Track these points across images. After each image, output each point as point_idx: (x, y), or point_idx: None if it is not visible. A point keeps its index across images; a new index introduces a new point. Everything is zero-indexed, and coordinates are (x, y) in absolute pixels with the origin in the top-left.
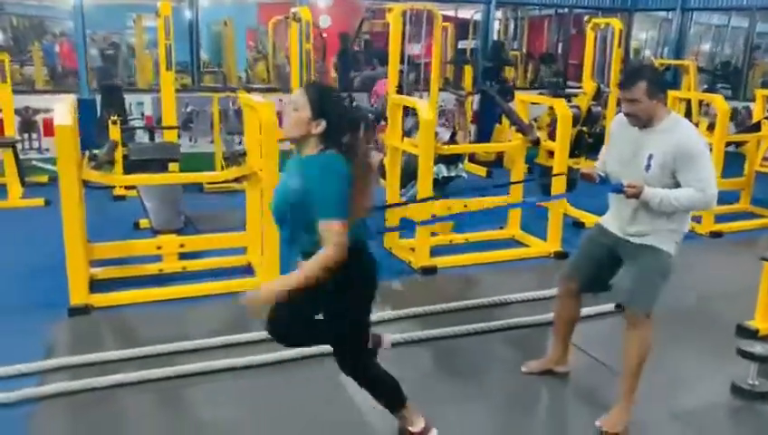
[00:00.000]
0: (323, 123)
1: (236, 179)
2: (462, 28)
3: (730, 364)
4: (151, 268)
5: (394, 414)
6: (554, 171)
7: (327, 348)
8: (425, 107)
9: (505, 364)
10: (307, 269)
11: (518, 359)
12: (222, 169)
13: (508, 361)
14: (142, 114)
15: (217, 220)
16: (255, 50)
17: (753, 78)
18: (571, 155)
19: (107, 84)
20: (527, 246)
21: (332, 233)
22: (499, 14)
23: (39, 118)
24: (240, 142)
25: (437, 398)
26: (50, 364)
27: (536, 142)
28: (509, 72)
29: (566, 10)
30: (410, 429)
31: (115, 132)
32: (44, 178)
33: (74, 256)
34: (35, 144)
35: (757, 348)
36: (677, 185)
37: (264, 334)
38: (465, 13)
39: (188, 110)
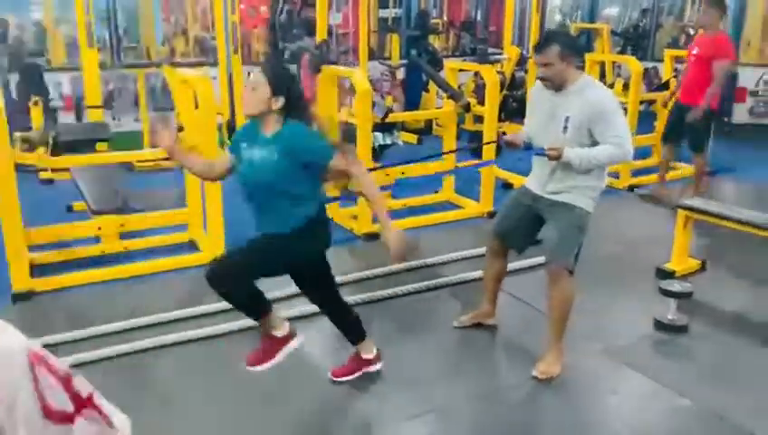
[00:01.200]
0: (282, 99)
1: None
2: None
3: (651, 304)
4: (93, 250)
5: (354, 345)
6: (485, 135)
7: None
8: (360, 77)
9: (446, 320)
10: (377, 195)
11: (457, 313)
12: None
13: (449, 315)
14: (60, 94)
15: (152, 198)
16: (173, 24)
17: (661, 39)
18: (498, 119)
19: (26, 64)
20: (462, 207)
21: (358, 163)
22: None
23: None
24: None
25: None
26: None
27: (467, 108)
28: (434, 41)
29: None
30: (363, 355)
31: (37, 114)
32: None
33: (13, 241)
34: None
35: (676, 286)
36: (594, 143)
37: (217, 307)
38: None
39: (110, 88)
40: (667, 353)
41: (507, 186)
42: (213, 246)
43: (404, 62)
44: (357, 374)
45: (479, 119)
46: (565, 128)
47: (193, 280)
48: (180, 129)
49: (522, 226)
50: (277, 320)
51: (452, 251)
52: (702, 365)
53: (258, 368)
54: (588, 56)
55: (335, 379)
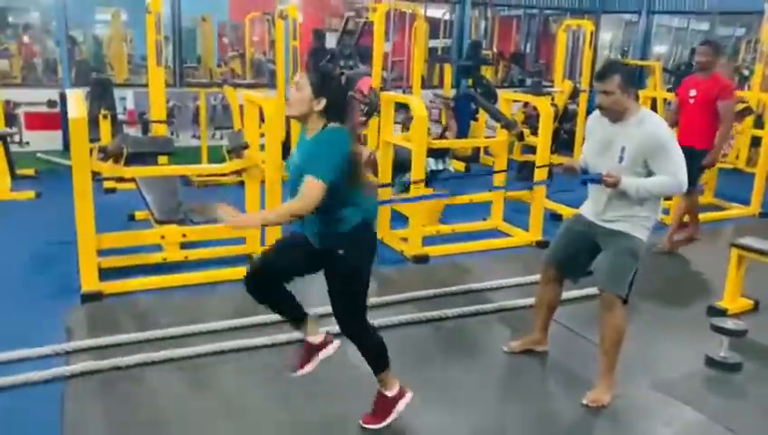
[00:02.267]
0: (323, 101)
1: (238, 171)
2: (432, 27)
3: (702, 341)
4: (155, 257)
5: (376, 376)
6: (537, 164)
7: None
8: (418, 104)
9: (494, 344)
10: (279, 211)
11: (506, 338)
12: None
13: (496, 341)
14: (124, 109)
15: (208, 212)
16: (230, 46)
17: None
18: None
19: (97, 78)
20: (510, 236)
21: (310, 188)
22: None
23: (20, 112)
24: (222, 137)
25: (426, 371)
26: (74, 346)
27: (520, 137)
28: (486, 71)
29: (535, 11)
30: (386, 392)
31: (105, 127)
32: (31, 171)
33: (86, 244)
34: (16, 138)
35: (728, 323)
36: (648, 174)
37: (271, 317)
38: (434, 11)
39: (170, 105)
40: (719, 391)
41: (556, 217)
42: None
43: (457, 92)
44: (389, 419)
45: (528, 149)
46: (621, 158)
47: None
48: (246, 146)
49: (576, 253)
50: (312, 327)
51: (500, 278)
52: (752, 403)
53: (297, 373)
54: (641, 92)
55: (366, 426)
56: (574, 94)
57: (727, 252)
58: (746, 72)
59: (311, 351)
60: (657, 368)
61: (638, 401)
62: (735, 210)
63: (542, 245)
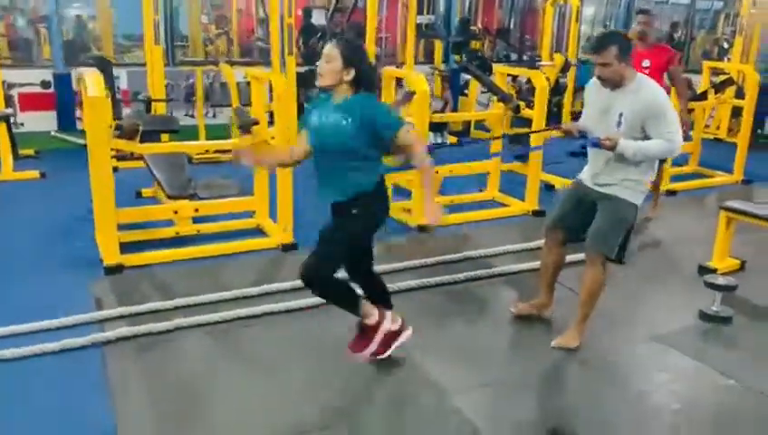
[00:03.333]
0: (353, 71)
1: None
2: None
3: (694, 298)
4: (169, 232)
5: (356, 314)
6: (532, 138)
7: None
8: (420, 78)
9: (502, 306)
10: (427, 166)
11: (513, 300)
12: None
13: (503, 302)
14: (118, 88)
15: (216, 188)
16: (215, 24)
17: (695, 50)
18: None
19: (96, 58)
20: (507, 205)
21: (412, 134)
22: None
23: (14, 92)
24: (214, 115)
25: (441, 331)
26: (106, 314)
27: (516, 110)
28: (476, 46)
29: None
30: (366, 321)
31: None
32: (31, 151)
33: (107, 219)
34: (11, 119)
35: (720, 280)
36: (645, 138)
37: (291, 284)
38: None
39: (190, 81)
40: (712, 341)
41: (549, 187)
42: (282, 231)
43: (447, 67)
44: (377, 342)
45: (520, 122)
46: (619, 123)
47: (266, 261)
48: (255, 123)
49: (577, 216)
50: (367, 308)
51: (501, 245)
52: (745, 351)
53: (359, 355)
54: None
55: (355, 354)
56: (565, 68)
57: (713, 217)
58: (726, 45)
59: (367, 332)
60: (653, 322)
61: (636, 351)
62: (719, 178)
63: (537, 213)
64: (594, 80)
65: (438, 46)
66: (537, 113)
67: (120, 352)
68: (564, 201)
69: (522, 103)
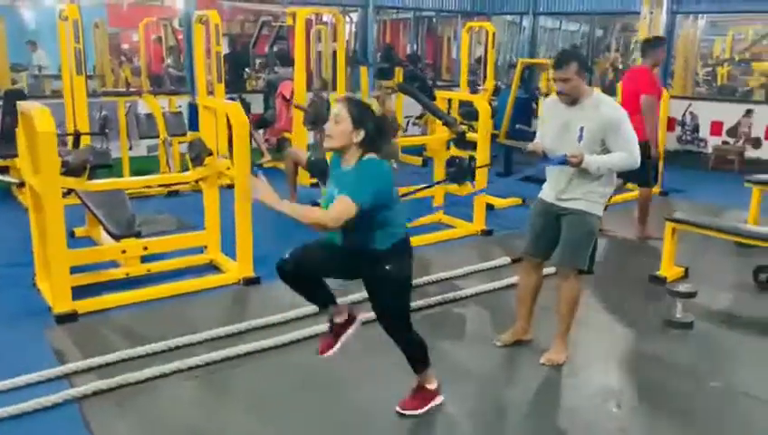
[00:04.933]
0: (363, 133)
1: (200, 180)
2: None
3: (653, 306)
4: (118, 273)
5: (418, 374)
6: (479, 160)
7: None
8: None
9: (480, 327)
10: (308, 212)
11: (489, 321)
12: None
13: (482, 323)
14: None
15: (154, 224)
16: (121, 53)
17: (595, 74)
18: (467, 147)
19: (10, 91)
20: (454, 227)
21: (344, 205)
22: (355, 16)
23: None
24: (131, 148)
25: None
26: (74, 367)
27: (461, 135)
28: (398, 73)
29: (428, 13)
30: (427, 386)
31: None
32: None
33: (58, 262)
34: None
35: (681, 287)
36: (604, 152)
37: (265, 320)
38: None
39: (103, 114)
40: (683, 345)
41: (489, 206)
42: (242, 265)
43: (394, 88)
44: (426, 408)
45: (451, 145)
46: (580, 137)
47: (229, 298)
48: (210, 153)
49: (547, 236)
50: (340, 309)
51: (463, 266)
52: (717, 354)
53: (325, 355)
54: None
55: (403, 412)
56: (496, 92)
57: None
58: (621, 66)
59: (338, 333)
60: (622, 331)
61: (599, 351)
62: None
63: (486, 233)
64: (551, 97)
65: (364, 72)
66: (481, 139)
67: (99, 406)
68: (533, 225)
69: (465, 127)
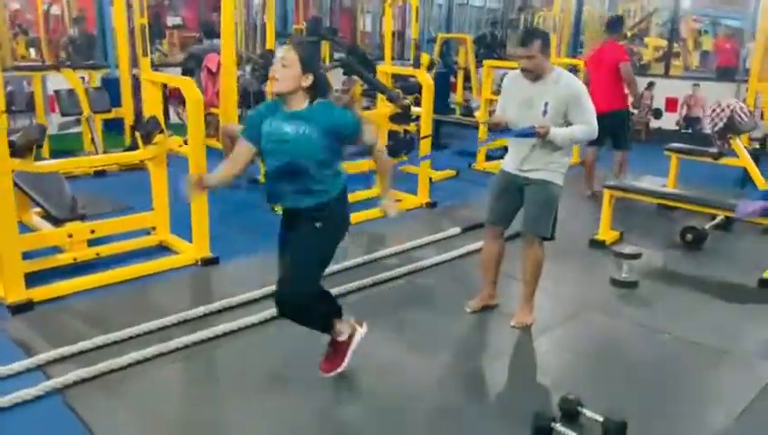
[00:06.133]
0: (311, 77)
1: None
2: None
3: (597, 267)
4: (65, 258)
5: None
6: (422, 132)
7: None
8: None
9: (447, 294)
10: (388, 165)
11: (455, 289)
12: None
13: (447, 291)
14: None
15: (93, 205)
16: (16, 24)
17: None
18: (405, 120)
19: None
20: (400, 200)
21: (371, 130)
22: None
23: None
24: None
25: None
26: (46, 357)
27: (406, 109)
28: (326, 47)
29: None
30: (338, 338)
31: None
32: None
33: (9, 249)
34: None
35: (626, 250)
36: (566, 124)
37: (237, 299)
38: None
39: (9, 90)
40: (632, 303)
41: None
42: (199, 245)
43: (336, 63)
44: (347, 359)
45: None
46: (545, 111)
47: (190, 279)
48: (161, 130)
49: (508, 205)
50: (339, 324)
51: (418, 238)
52: (664, 309)
53: (332, 373)
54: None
55: (327, 374)
56: (430, 67)
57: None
58: None
59: (341, 348)
60: (575, 292)
61: (561, 313)
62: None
63: (430, 205)
64: (513, 73)
65: None
66: (424, 112)
67: (85, 395)
68: (494, 194)
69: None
